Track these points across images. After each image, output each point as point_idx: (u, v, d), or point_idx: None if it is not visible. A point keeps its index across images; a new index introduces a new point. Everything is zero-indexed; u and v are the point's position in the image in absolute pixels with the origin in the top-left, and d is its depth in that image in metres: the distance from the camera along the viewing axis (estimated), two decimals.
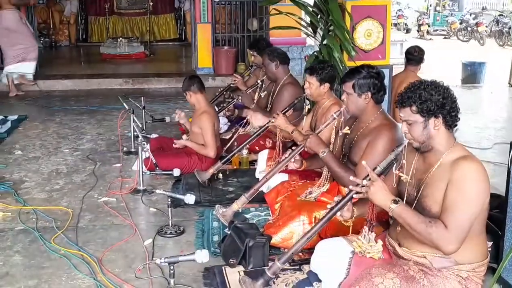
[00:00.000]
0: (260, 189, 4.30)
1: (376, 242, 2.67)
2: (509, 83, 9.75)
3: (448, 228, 2.36)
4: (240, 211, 3.93)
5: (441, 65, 12.33)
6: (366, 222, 2.69)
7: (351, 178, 2.67)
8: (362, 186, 2.55)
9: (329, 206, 2.76)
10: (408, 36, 19.21)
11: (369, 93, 3.36)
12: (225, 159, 4.66)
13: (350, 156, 3.48)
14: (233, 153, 4.75)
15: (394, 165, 2.64)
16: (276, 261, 2.90)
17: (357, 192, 2.60)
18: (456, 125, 2.54)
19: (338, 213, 2.74)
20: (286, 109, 4.44)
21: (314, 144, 3.52)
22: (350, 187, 2.64)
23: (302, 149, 3.67)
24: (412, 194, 2.61)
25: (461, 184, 2.38)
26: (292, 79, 5.28)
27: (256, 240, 3.22)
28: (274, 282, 3.07)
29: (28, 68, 8.84)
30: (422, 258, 2.54)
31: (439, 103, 2.45)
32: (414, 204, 2.55)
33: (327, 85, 4.20)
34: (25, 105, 8.19)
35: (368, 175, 2.58)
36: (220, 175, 4.83)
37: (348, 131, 3.49)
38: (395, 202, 2.47)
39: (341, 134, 3.57)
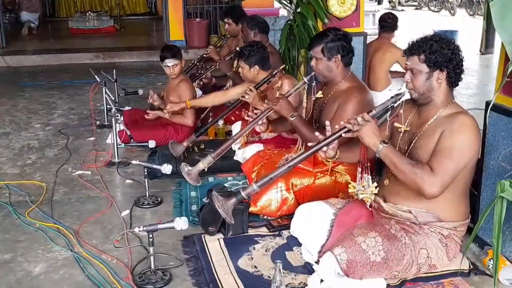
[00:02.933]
0: (237, 160, 4.29)
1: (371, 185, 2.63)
2: (480, 51, 9.86)
3: (435, 171, 2.39)
4: (213, 179, 3.90)
5: (414, 34, 12.38)
6: (359, 163, 2.67)
7: (342, 123, 2.62)
8: (355, 124, 2.53)
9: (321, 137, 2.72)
10: (380, 7, 19.18)
11: (339, 56, 3.34)
12: (198, 133, 4.57)
13: (321, 121, 3.46)
14: (206, 126, 4.67)
15: (389, 113, 2.63)
16: (253, 183, 2.88)
17: (348, 131, 2.57)
18: (457, 85, 2.57)
19: (323, 148, 2.70)
20: (259, 84, 4.37)
21: (284, 107, 3.49)
22: (342, 123, 2.61)
23: (270, 111, 3.64)
24: (403, 148, 2.62)
25: (456, 133, 2.42)
26: (271, 48, 5.21)
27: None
28: (254, 248, 3.06)
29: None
30: (407, 213, 2.57)
31: (447, 57, 2.48)
32: None
33: (256, 67, 4.29)
34: None
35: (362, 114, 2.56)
36: (196, 149, 4.74)
37: (322, 95, 3.47)
38: (384, 143, 2.48)
39: (313, 98, 3.55)
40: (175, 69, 4.84)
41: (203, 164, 3.69)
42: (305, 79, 3.55)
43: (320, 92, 3.48)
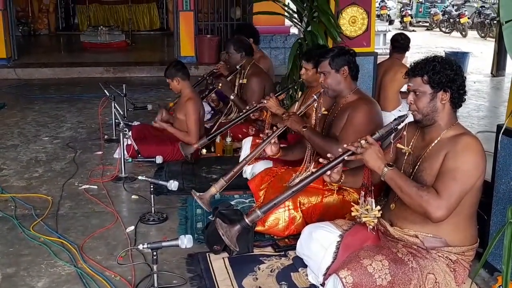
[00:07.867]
0: (244, 177, 4.26)
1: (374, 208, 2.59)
2: (491, 73, 9.82)
3: (440, 194, 2.35)
4: (219, 196, 3.91)
5: (425, 55, 12.36)
6: (362, 187, 2.64)
7: (345, 146, 2.61)
8: (358, 147, 2.51)
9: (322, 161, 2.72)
10: (391, 27, 19.21)
11: (346, 67, 3.38)
12: (210, 136, 4.75)
13: (332, 135, 3.48)
14: (219, 131, 4.80)
15: (393, 135, 2.60)
16: (257, 209, 2.85)
17: (351, 154, 2.55)
18: (460, 105, 2.54)
19: (327, 173, 2.69)
20: (279, 93, 4.46)
21: (295, 122, 3.54)
22: (345, 146, 2.60)
23: (283, 130, 3.66)
24: (408, 171, 2.59)
25: (460, 155, 2.39)
26: (260, 68, 5.37)
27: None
28: (259, 268, 3.02)
29: None
30: (413, 238, 2.52)
31: (450, 77, 2.46)
32: None
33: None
34: (3, 93, 8.03)
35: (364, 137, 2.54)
36: (204, 151, 5.01)
37: (326, 112, 3.50)
38: (389, 165, 2.45)
39: (320, 115, 3.57)
40: (175, 87, 4.91)
41: (215, 189, 3.68)
42: (315, 96, 3.61)
43: (323, 108, 3.52)
